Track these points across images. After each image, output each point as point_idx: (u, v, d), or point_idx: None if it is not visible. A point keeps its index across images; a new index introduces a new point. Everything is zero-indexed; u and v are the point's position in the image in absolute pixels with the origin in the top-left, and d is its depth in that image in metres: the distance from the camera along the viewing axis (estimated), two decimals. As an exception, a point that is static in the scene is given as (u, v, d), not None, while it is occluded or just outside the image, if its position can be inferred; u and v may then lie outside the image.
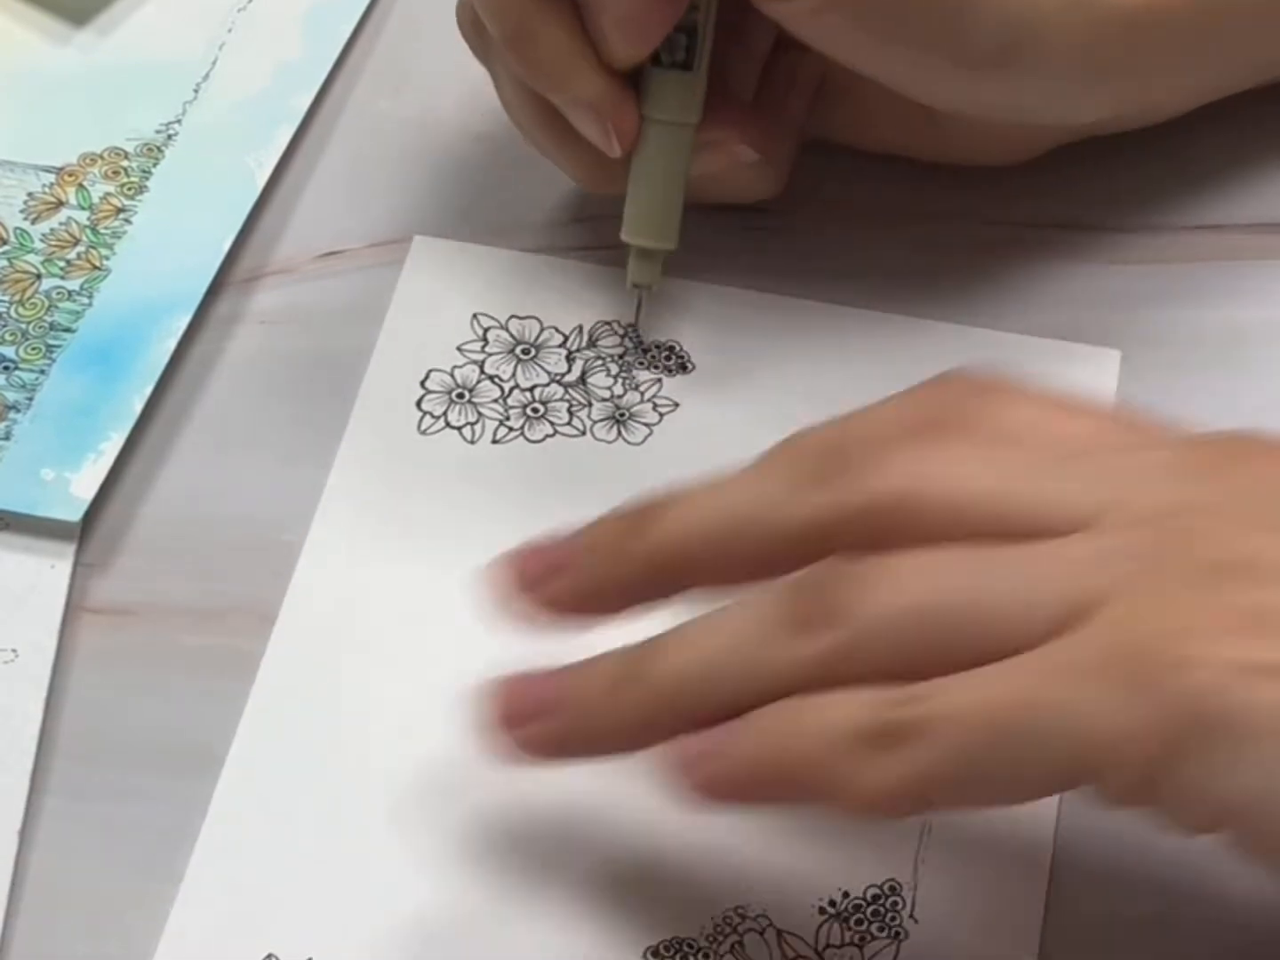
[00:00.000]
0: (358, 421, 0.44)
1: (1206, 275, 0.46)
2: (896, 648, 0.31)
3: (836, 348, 0.45)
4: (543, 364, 0.45)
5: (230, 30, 0.51)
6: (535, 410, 0.44)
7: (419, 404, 0.44)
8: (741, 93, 0.44)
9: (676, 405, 0.44)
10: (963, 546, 0.31)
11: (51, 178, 0.48)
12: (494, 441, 0.44)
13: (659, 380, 0.44)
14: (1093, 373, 0.44)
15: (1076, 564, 0.31)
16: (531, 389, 0.44)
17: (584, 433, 0.44)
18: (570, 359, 0.45)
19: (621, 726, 0.34)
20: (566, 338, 0.45)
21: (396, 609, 0.41)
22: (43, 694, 0.40)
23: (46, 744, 0.40)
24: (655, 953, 0.37)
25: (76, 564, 0.42)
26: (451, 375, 0.45)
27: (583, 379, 0.45)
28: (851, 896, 0.37)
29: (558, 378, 0.45)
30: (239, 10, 0.52)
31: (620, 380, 0.44)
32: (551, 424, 0.44)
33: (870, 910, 0.37)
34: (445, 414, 0.44)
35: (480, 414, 0.44)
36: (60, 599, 0.42)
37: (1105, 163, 0.46)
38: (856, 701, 0.31)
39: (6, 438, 0.43)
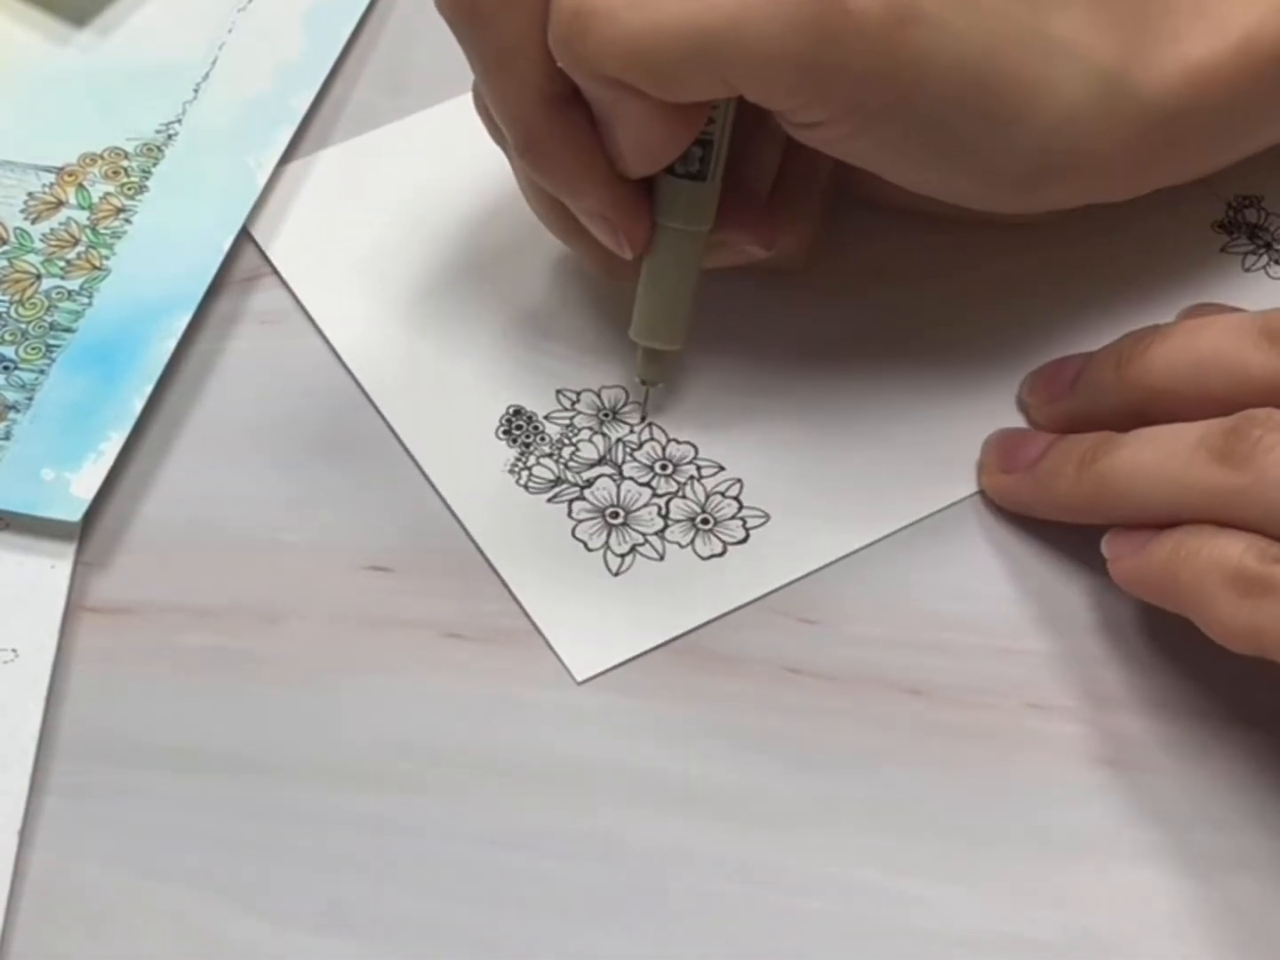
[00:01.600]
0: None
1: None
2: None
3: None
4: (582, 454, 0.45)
5: (230, 30, 0.51)
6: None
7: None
8: (761, 177, 0.44)
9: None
10: None
11: (51, 178, 0.48)
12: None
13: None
14: None
15: None
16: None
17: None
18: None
19: (1071, 500, 0.40)
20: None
21: None
22: (43, 694, 0.40)
23: (46, 744, 0.40)
24: None
25: (76, 563, 0.42)
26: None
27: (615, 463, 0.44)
28: None
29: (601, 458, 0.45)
30: (239, 10, 0.52)
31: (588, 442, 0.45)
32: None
33: None
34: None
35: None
36: (60, 599, 0.42)
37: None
38: (1243, 545, 0.36)
39: (6, 438, 0.43)
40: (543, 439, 0.44)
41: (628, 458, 0.44)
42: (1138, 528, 0.39)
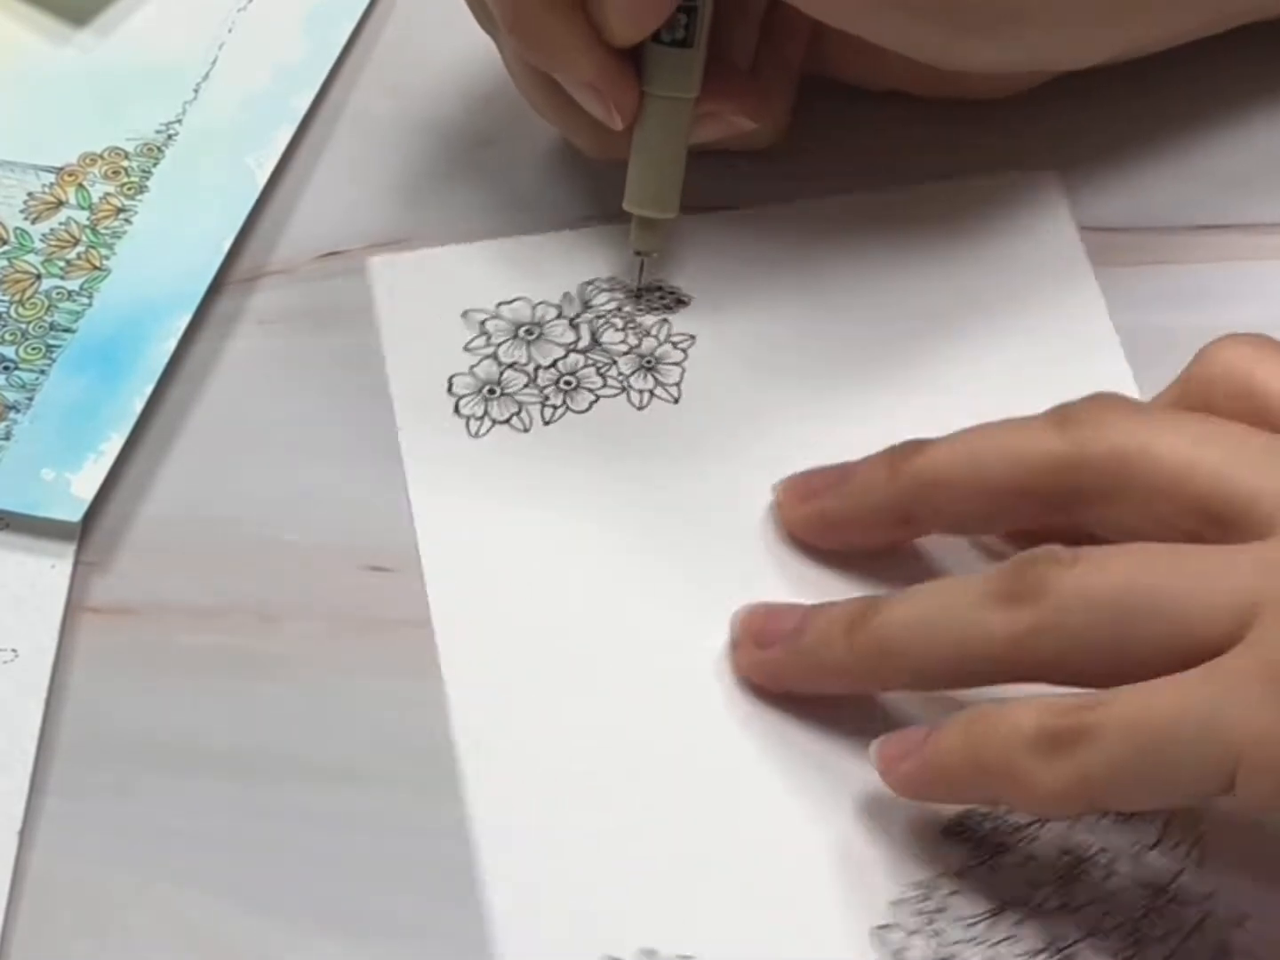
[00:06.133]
0: (410, 447, 0.44)
1: (1227, 275, 0.46)
2: (1085, 631, 0.35)
3: (817, 237, 0.46)
4: (551, 339, 0.45)
5: (230, 30, 0.51)
6: (568, 383, 0.44)
7: (457, 410, 0.44)
8: (740, 54, 0.45)
9: (693, 338, 0.45)
10: (1162, 546, 0.35)
11: (51, 178, 0.48)
12: (545, 423, 0.44)
13: (665, 320, 0.45)
14: (1041, 199, 0.47)
15: (1255, 572, 0.34)
16: (554, 364, 0.45)
17: (623, 389, 0.44)
18: (575, 326, 0.45)
19: (846, 666, 0.38)
20: (561, 308, 0.46)
21: (544, 609, 0.42)
22: (43, 694, 0.40)
23: (46, 744, 0.40)
24: (951, 830, 0.38)
25: (76, 563, 0.42)
26: (473, 374, 0.45)
27: (595, 341, 0.45)
28: None
29: (572, 346, 0.45)
30: (239, 10, 0.52)
31: (630, 331, 0.45)
32: (590, 390, 0.44)
33: None
34: (487, 412, 0.44)
35: (519, 402, 0.44)
36: (60, 599, 0.42)
37: (1126, 162, 0.47)
38: (1038, 707, 0.34)
39: (6, 438, 0.43)
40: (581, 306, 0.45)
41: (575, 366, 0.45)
42: (904, 732, 0.37)
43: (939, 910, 0.37)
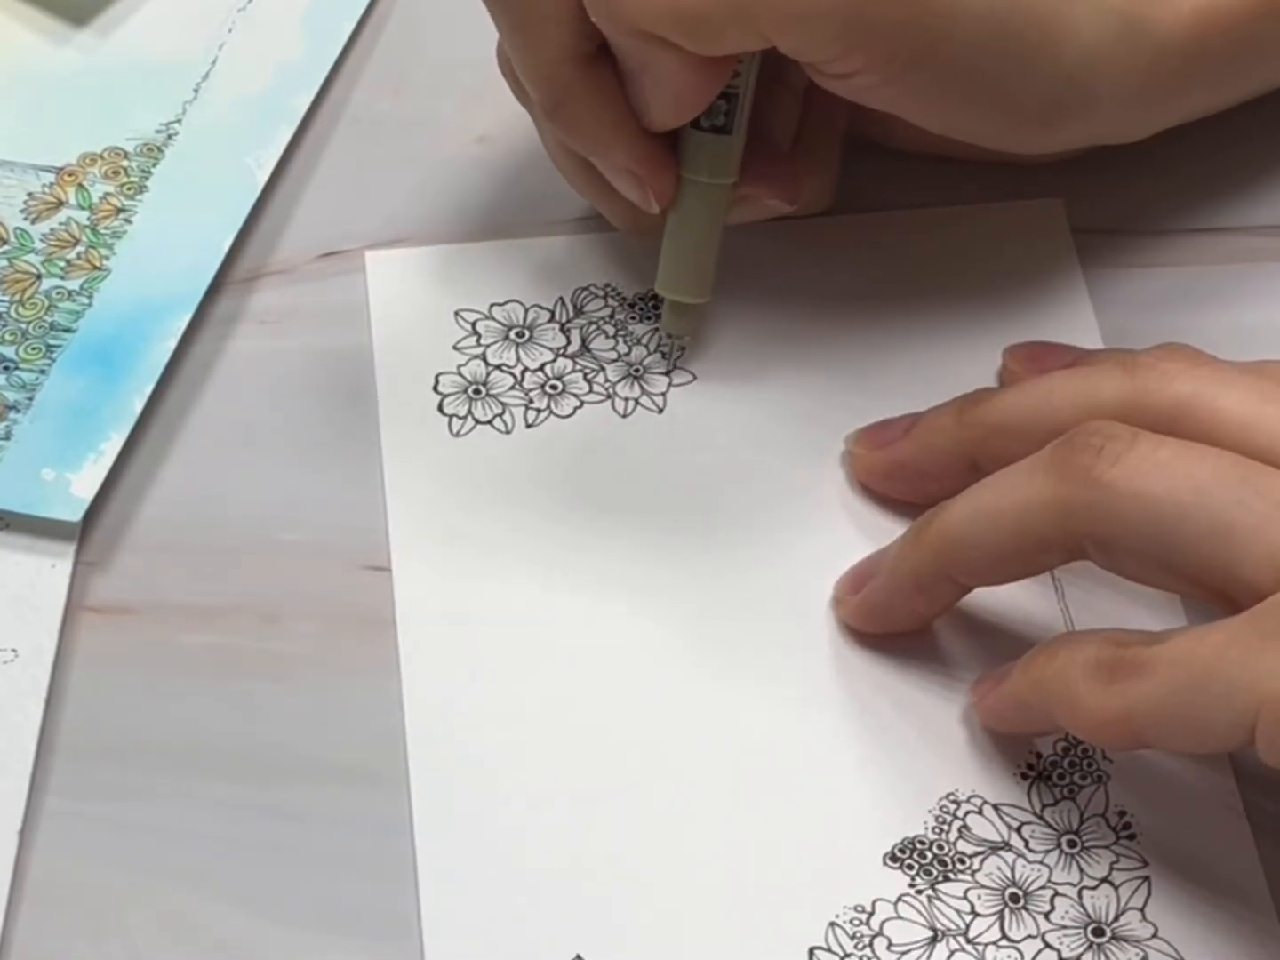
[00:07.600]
0: (390, 443, 0.44)
1: (1224, 277, 0.46)
2: (1137, 530, 0.35)
3: (812, 255, 0.46)
4: (541, 343, 0.45)
5: (230, 30, 0.51)
6: (554, 387, 0.44)
7: (440, 409, 0.44)
8: (782, 133, 0.44)
9: (682, 349, 0.45)
10: (1231, 461, 0.35)
11: (51, 178, 0.48)
12: (528, 426, 0.44)
13: (656, 329, 0.45)
14: (1044, 224, 0.47)
15: None
16: (541, 368, 0.45)
17: (608, 396, 0.44)
18: (565, 331, 0.45)
19: (919, 571, 0.39)
20: (553, 312, 0.46)
21: (511, 613, 0.41)
22: (43, 694, 0.40)
23: (46, 744, 0.40)
24: (893, 856, 0.38)
25: (76, 563, 0.42)
26: (460, 374, 0.45)
27: (585, 347, 0.45)
28: (1045, 756, 0.39)
29: (561, 351, 0.45)
30: (239, 10, 0.52)
31: (620, 339, 0.45)
32: (575, 395, 0.44)
33: (1067, 763, 0.39)
34: (470, 412, 0.44)
35: (504, 404, 0.44)
36: (60, 599, 0.42)
37: (1123, 167, 0.47)
38: (1100, 638, 0.35)
39: (6, 438, 0.43)
40: (582, 316, 0.45)
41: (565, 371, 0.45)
42: (993, 671, 0.39)
43: (875, 935, 0.37)
